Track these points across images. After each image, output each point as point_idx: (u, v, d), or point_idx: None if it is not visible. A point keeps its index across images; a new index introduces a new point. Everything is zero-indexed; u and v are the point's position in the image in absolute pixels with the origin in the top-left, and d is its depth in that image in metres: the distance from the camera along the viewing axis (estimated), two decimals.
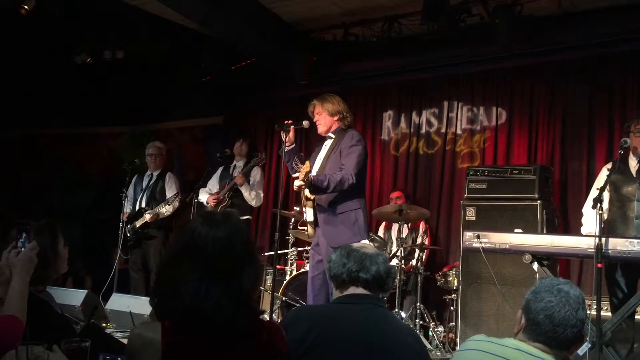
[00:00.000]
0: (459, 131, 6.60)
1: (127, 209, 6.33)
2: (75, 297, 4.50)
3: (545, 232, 4.94)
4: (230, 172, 6.29)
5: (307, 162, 4.13)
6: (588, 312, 2.14)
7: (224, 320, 1.66)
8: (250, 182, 6.07)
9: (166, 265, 1.74)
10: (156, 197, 6.34)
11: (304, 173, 4.00)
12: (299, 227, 5.91)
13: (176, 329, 1.65)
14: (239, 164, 6.33)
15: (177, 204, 6.10)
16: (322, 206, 4.30)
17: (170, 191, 6.36)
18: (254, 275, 1.77)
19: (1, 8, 5.88)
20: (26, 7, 5.74)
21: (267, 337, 1.78)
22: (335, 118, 4.39)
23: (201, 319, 1.65)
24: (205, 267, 1.68)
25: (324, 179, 4.13)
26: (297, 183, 4.15)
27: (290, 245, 6.23)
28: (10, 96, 8.42)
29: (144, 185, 6.47)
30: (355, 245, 2.54)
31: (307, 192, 4.30)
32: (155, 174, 6.48)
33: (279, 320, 4.82)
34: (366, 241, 4.64)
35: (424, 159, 6.79)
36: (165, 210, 6.11)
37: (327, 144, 4.46)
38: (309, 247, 5.92)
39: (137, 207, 6.35)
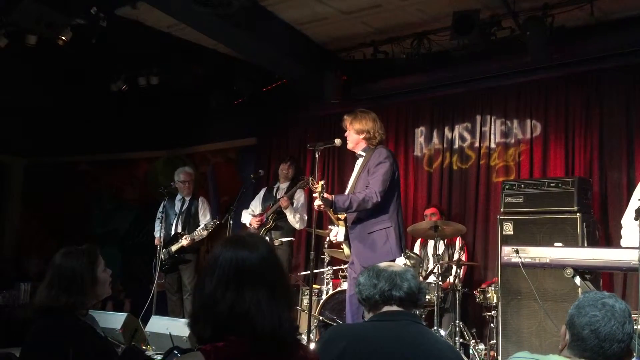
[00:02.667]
0: (492, 145, 6.52)
1: (159, 233, 6.38)
2: (115, 320, 4.55)
3: (586, 245, 4.83)
4: (274, 194, 6.33)
5: (321, 182, 4.18)
6: (635, 326, 2.07)
7: (293, 338, 1.75)
8: (294, 205, 6.09)
9: (215, 289, 1.72)
10: (191, 221, 6.43)
11: (318, 192, 4.04)
12: (340, 247, 5.90)
13: (218, 351, 1.66)
14: (282, 186, 6.35)
15: (209, 226, 6.18)
16: (353, 226, 4.30)
17: (204, 216, 6.46)
18: (293, 293, 1.85)
19: (40, 40, 6.07)
20: (63, 38, 5.92)
21: (304, 353, 1.82)
22: (361, 137, 4.40)
23: (273, 339, 1.69)
24: (269, 289, 1.73)
25: (346, 199, 4.15)
26: (316, 203, 4.19)
27: (325, 264, 6.22)
28: (50, 124, 8.68)
29: (177, 210, 6.56)
30: (382, 264, 2.51)
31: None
32: (188, 198, 6.58)
33: (316, 340, 4.80)
34: (402, 259, 4.62)
35: (458, 174, 6.72)
36: (202, 235, 6.20)
37: (359, 162, 4.49)
38: (345, 266, 5.92)
39: (173, 232, 6.43)
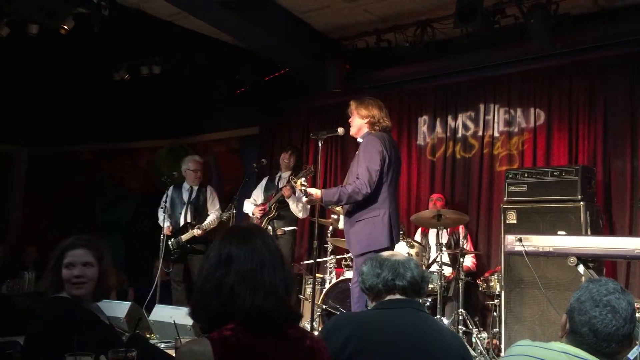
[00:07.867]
0: (496, 134, 6.50)
1: (166, 222, 6.35)
2: (119, 308, 4.57)
3: (589, 233, 4.83)
4: (276, 183, 6.32)
5: (300, 180, 4.32)
6: (638, 315, 2.06)
7: (291, 322, 1.81)
8: (297, 194, 6.08)
9: (215, 276, 1.77)
10: (200, 211, 6.42)
11: (299, 189, 4.12)
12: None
13: (225, 338, 1.67)
14: (284, 175, 6.34)
15: (224, 216, 6.18)
16: (346, 216, 4.32)
17: (212, 205, 6.48)
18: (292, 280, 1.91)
19: (43, 29, 6.05)
20: (66, 27, 5.90)
21: (311, 342, 1.84)
22: (365, 121, 4.36)
23: (262, 316, 1.73)
24: (259, 271, 1.79)
25: (335, 192, 4.17)
26: (303, 199, 4.23)
27: (328, 253, 6.23)
28: (53, 114, 8.68)
29: (185, 199, 6.52)
30: (385, 254, 2.51)
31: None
32: (195, 187, 6.55)
33: (320, 329, 4.81)
34: (405, 247, 4.62)
35: (462, 163, 6.71)
36: (214, 225, 6.21)
37: (358, 149, 4.48)
38: (348, 255, 5.93)
39: (182, 221, 6.42)
